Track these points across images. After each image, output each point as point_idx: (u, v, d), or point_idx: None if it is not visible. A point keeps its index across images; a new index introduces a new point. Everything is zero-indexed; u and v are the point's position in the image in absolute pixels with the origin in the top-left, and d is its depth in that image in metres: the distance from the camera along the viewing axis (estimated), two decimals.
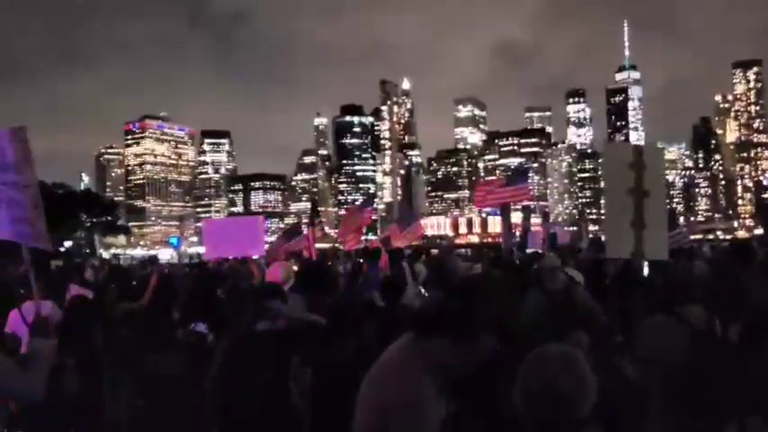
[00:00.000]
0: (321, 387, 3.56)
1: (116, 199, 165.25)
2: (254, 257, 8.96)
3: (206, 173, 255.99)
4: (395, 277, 6.02)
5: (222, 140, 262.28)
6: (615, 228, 5.62)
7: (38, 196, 4.14)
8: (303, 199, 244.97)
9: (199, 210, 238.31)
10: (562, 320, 4.30)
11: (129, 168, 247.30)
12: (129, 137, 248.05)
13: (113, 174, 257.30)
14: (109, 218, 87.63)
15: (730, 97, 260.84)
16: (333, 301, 5.02)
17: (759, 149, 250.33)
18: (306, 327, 4.22)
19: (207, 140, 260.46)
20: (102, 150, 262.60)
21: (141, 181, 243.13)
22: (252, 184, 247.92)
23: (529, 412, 1.86)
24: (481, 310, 2.51)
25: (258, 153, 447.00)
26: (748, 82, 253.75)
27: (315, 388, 3.63)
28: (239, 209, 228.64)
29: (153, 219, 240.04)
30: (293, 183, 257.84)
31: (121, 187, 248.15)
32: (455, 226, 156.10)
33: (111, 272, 11.17)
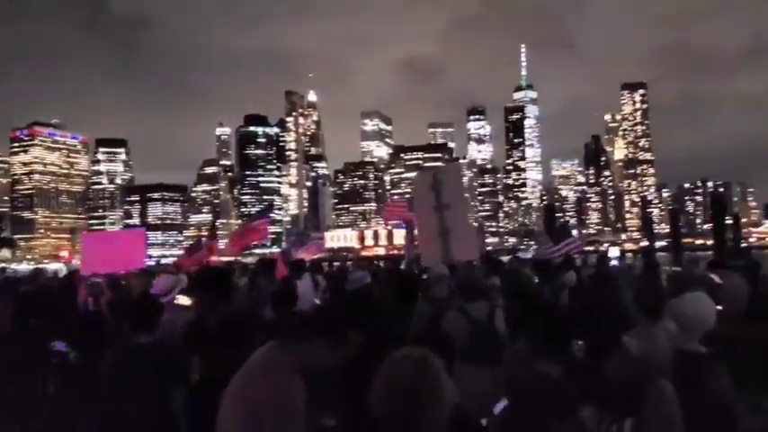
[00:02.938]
0: (201, 399, 3.47)
1: (0, 210, 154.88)
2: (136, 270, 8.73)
3: (100, 183, 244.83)
4: (287, 288, 5.94)
5: (118, 149, 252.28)
6: (425, 241, 6.72)
7: None
8: (204, 211, 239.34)
9: (92, 222, 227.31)
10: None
11: (16, 178, 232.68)
12: (16, 144, 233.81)
13: None
14: None
15: (619, 117, 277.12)
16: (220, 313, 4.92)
17: (645, 166, 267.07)
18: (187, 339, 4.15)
19: (101, 149, 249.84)
20: None
21: (29, 191, 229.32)
22: (150, 195, 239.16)
23: (382, 410, 1.94)
24: (346, 310, 2.75)
25: (157, 163, 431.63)
26: (635, 103, 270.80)
27: (194, 400, 3.54)
28: (136, 221, 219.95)
29: (42, 231, 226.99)
30: (193, 194, 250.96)
31: (6, 198, 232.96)
32: (361, 238, 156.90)
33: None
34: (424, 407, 1.91)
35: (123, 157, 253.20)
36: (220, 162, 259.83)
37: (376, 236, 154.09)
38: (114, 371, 4.11)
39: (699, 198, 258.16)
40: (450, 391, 1.99)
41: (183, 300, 5.52)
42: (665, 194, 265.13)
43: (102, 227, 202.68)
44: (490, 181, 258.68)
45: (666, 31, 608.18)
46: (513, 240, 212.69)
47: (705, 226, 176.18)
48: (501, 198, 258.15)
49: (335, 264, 26.77)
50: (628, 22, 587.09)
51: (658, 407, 2.67)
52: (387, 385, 1.95)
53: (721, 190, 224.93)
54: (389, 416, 1.92)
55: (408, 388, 1.92)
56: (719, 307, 4.48)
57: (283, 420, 2.51)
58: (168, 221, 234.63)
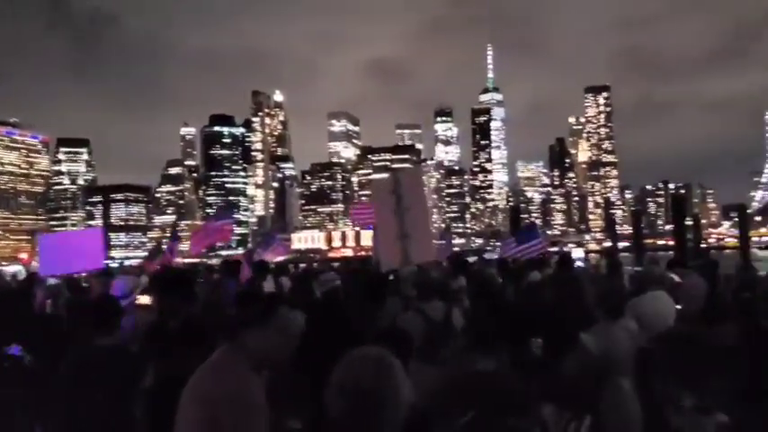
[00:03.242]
0: (162, 401, 3.43)
1: None
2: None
3: (61, 183, 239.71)
4: (251, 289, 5.91)
5: (80, 149, 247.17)
6: (385, 244, 6.68)
7: None
8: (168, 212, 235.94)
9: (53, 223, 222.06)
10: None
11: None
12: None
13: None
14: None
15: (583, 120, 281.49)
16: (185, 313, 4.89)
17: (608, 168, 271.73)
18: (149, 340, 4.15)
19: (63, 149, 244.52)
20: None
21: None
22: (113, 195, 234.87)
23: (339, 410, 1.93)
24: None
25: (120, 163, 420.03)
26: (598, 106, 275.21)
27: (155, 402, 3.49)
28: (98, 222, 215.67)
29: (0, 233, 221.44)
30: (158, 195, 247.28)
31: None
32: (329, 240, 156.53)
33: None
34: (380, 407, 1.91)
35: (85, 157, 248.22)
36: (185, 162, 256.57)
37: (344, 237, 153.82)
38: (73, 374, 4.04)
39: (660, 200, 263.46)
40: (407, 392, 1.98)
41: (145, 299, 5.44)
42: (627, 196, 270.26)
43: (63, 228, 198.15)
44: (457, 182, 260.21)
45: (630, 34, 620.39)
46: (479, 241, 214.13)
47: (666, 227, 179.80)
48: (468, 199, 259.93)
49: (302, 265, 26.68)
50: (593, 26, 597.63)
51: (616, 405, 2.68)
52: (343, 385, 1.94)
53: (682, 192, 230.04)
54: (345, 416, 1.92)
55: (364, 387, 1.91)
56: (679, 306, 4.56)
57: (241, 417, 2.52)
58: (132, 223, 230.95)
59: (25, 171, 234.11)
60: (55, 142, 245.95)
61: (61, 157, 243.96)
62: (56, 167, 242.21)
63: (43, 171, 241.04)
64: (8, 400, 4.90)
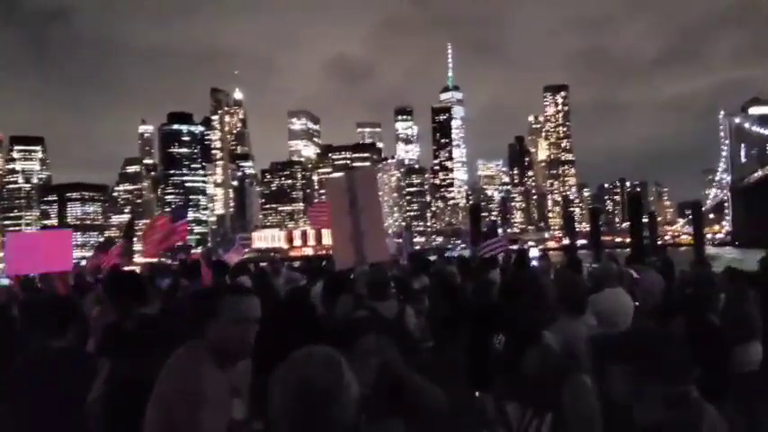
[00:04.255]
0: (118, 402, 3.33)
1: None
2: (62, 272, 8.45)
3: (15, 182, 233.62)
4: (207, 289, 5.80)
5: (34, 147, 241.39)
6: (339, 244, 6.76)
7: None
8: (126, 211, 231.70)
9: (7, 222, 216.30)
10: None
11: None
12: None
13: None
14: None
15: (542, 118, 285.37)
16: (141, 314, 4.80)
17: (566, 167, 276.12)
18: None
19: (16, 147, 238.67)
20: None
21: None
22: (68, 194, 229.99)
23: (285, 410, 1.89)
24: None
25: (76, 162, 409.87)
26: (557, 105, 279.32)
27: (111, 403, 3.38)
28: (54, 221, 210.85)
29: None
30: (115, 193, 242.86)
31: None
32: (290, 239, 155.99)
33: None
34: (331, 405, 1.87)
35: (40, 155, 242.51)
36: (143, 161, 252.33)
37: (304, 236, 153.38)
38: (22, 376, 3.92)
39: (617, 197, 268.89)
40: (355, 389, 1.95)
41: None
42: (585, 194, 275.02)
43: (17, 228, 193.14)
44: (418, 181, 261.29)
45: (587, 35, 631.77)
46: (440, 239, 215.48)
47: (624, 224, 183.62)
48: (428, 198, 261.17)
49: (262, 264, 26.43)
50: (551, 26, 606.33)
51: (577, 401, 2.68)
52: (292, 385, 1.89)
53: (638, 190, 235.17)
54: (292, 415, 1.88)
55: (315, 387, 1.87)
56: (636, 303, 4.60)
57: (190, 414, 2.51)
58: (88, 222, 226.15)
59: None
60: (8, 140, 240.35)
61: (15, 155, 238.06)
62: (9, 166, 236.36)
63: None
64: None
